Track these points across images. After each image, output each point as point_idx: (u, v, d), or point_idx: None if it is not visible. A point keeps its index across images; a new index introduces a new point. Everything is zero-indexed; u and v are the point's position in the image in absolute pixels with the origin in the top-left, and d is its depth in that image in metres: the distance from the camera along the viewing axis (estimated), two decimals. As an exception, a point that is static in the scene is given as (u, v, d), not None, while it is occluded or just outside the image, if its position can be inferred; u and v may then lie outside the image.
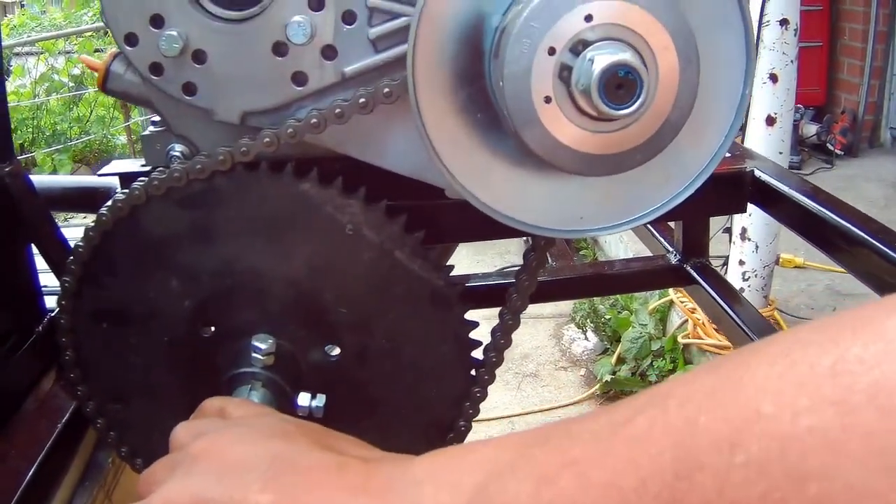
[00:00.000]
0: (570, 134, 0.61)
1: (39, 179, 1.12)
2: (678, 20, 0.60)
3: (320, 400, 0.80)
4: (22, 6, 8.39)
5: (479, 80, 0.67)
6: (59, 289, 1.07)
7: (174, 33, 0.72)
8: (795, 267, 3.47)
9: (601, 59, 0.56)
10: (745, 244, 2.63)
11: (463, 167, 0.69)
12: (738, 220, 2.64)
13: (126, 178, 0.89)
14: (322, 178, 0.77)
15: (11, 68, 7.17)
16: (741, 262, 2.65)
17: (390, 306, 0.81)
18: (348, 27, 0.73)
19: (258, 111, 0.76)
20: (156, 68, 0.75)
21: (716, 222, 2.93)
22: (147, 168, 0.86)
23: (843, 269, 2.61)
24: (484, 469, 0.42)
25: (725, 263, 2.71)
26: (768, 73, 2.47)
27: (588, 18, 0.58)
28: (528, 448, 0.41)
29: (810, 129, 5.52)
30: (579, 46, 0.58)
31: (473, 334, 0.84)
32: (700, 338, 2.89)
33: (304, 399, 0.80)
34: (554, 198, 0.72)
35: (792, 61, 2.45)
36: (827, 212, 0.83)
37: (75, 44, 7.81)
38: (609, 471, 0.36)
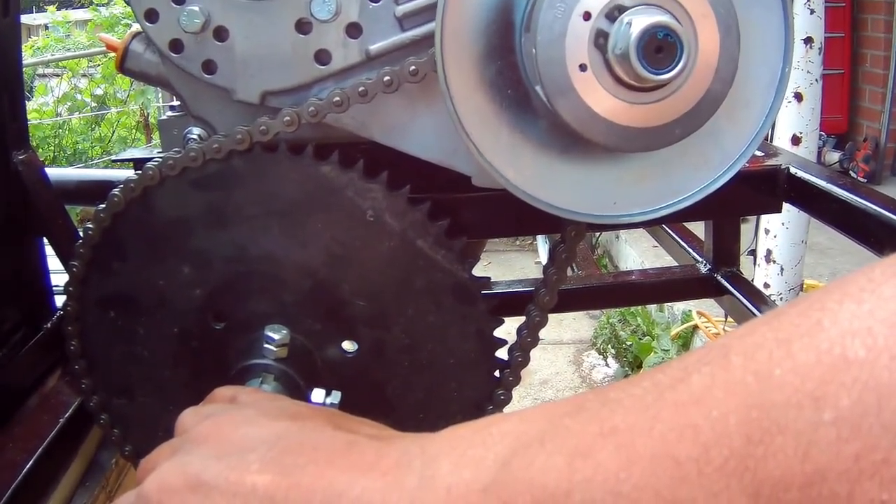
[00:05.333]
0: (606, 104, 0.58)
1: (54, 172, 1.10)
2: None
3: (335, 397, 0.76)
4: (46, 28, 8.50)
5: (509, 56, 0.64)
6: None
7: (196, 9, 0.70)
8: (819, 293, 3.41)
9: (639, 20, 0.53)
10: (771, 266, 2.58)
11: (492, 146, 0.65)
12: (763, 243, 2.59)
13: (141, 165, 0.86)
14: (343, 161, 0.74)
15: (35, 87, 7.23)
16: (766, 286, 2.61)
17: (411, 299, 0.77)
18: (374, 4, 0.70)
19: (279, 91, 0.73)
20: (176, 45, 0.72)
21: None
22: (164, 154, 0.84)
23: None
24: (508, 443, 0.37)
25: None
26: (793, 93, 2.44)
27: None
28: (559, 418, 0.36)
29: (833, 157, 5.48)
30: (615, 11, 0.55)
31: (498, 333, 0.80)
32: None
33: (317, 395, 0.76)
34: (586, 181, 0.68)
35: (817, 80, 2.41)
36: (872, 205, 0.79)
37: (99, 64, 7.88)
38: (658, 440, 0.30)
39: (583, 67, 0.57)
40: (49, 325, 1.05)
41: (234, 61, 0.72)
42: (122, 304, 0.81)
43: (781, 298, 2.60)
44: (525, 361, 0.81)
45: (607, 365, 3.81)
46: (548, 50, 0.57)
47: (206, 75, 0.73)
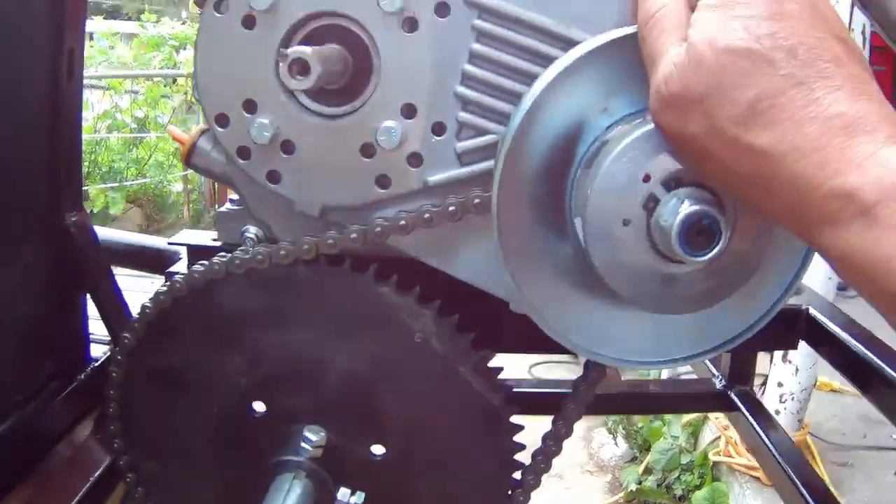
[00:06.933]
0: (635, 261, 0.61)
1: (103, 232, 1.15)
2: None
3: (359, 497, 0.80)
4: (91, 38, 8.67)
5: (560, 180, 0.66)
6: (106, 338, 1.10)
7: (266, 121, 0.74)
8: (831, 391, 3.41)
9: (689, 203, 0.56)
10: (786, 366, 2.59)
11: (532, 286, 0.69)
12: (781, 342, 2.62)
13: (196, 250, 0.91)
14: (400, 284, 0.79)
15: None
16: (780, 384, 2.62)
17: (443, 415, 0.82)
18: (437, 138, 0.74)
19: (338, 207, 0.78)
20: (243, 152, 0.77)
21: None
22: (219, 243, 0.88)
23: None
24: None
25: (764, 384, 2.69)
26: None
27: None
28: None
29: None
30: (672, 183, 0.58)
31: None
32: (731, 456, 2.83)
33: (343, 494, 0.80)
34: (611, 326, 0.71)
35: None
36: (881, 363, 0.83)
37: (142, 85, 8.02)
38: None
39: (626, 222, 0.60)
40: (83, 376, 1.09)
41: (299, 174, 0.77)
42: (168, 378, 0.86)
43: (793, 398, 2.61)
44: (537, 484, 0.84)
45: (616, 444, 3.80)
46: (601, 195, 0.60)
47: (270, 184, 0.77)
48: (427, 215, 0.75)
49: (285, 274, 0.79)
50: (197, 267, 0.80)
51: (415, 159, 0.75)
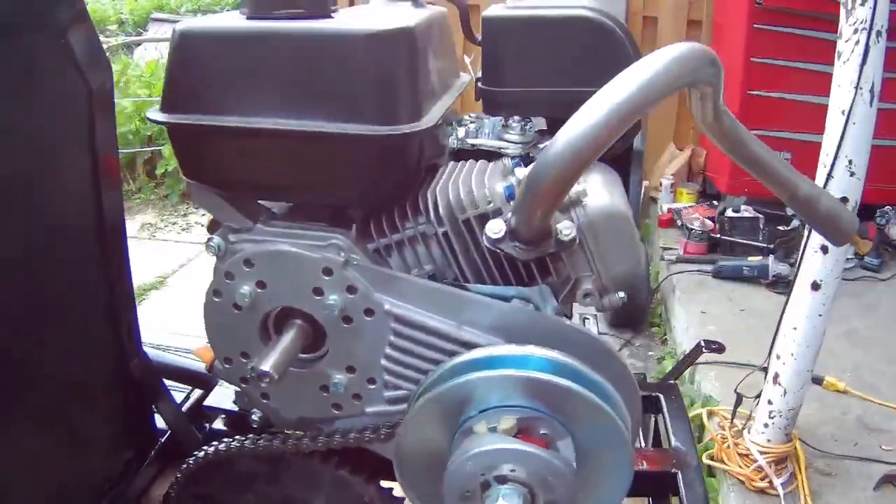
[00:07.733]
0: None
1: (155, 354, 1.50)
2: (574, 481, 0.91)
3: None
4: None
5: (451, 430, 0.96)
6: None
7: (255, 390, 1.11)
8: (836, 391, 3.58)
9: (503, 501, 0.89)
10: (776, 388, 2.84)
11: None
12: (774, 366, 2.84)
13: (228, 414, 1.32)
14: (354, 468, 1.18)
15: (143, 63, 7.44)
16: (770, 402, 2.87)
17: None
18: (371, 386, 1.08)
19: (308, 419, 1.13)
20: (244, 380, 1.13)
21: (755, 358, 3.13)
22: (237, 408, 1.24)
23: (880, 401, 2.78)
24: None
25: (759, 396, 2.94)
26: (820, 245, 2.62)
27: (513, 470, 0.90)
28: None
29: (896, 232, 5.49)
30: (500, 478, 0.91)
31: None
32: (723, 461, 3.08)
33: None
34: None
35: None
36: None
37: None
38: None
39: (468, 492, 0.92)
40: (153, 452, 1.46)
41: (281, 398, 1.13)
42: (207, 498, 1.28)
43: (780, 415, 2.85)
44: None
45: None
46: (454, 473, 0.92)
47: (263, 401, 1.13)
48: (367, 438, 1.09)
49: (279, 455, 1.17)
50: (222, 447, 1.17)
51: (356, 398, 1.10)
